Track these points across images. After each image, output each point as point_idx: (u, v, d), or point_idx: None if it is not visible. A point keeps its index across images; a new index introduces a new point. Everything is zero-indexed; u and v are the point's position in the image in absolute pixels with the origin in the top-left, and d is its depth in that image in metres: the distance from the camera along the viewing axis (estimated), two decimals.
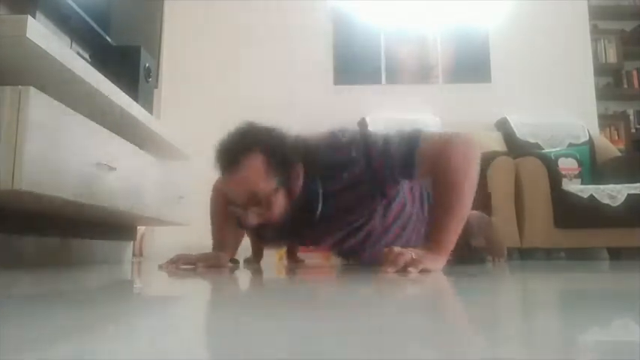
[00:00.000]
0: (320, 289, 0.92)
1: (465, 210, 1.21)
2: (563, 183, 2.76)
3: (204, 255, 1.49)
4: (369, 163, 1.25)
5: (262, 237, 1.36)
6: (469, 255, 1.83)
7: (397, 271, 1.09)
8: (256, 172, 1.18)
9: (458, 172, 1.19)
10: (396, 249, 1.13)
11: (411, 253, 1.12)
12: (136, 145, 1.75)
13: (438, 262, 1.18)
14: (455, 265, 1.40)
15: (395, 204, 1.42)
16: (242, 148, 1.20)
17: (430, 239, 1.21)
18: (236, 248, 1.64)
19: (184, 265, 1.44)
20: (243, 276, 1.26)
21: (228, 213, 1.40)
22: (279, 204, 1.22)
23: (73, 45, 1.98)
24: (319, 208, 1.27)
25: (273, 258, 3.06)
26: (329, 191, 1.28)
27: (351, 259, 1.70)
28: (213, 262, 1.47)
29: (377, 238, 1.44)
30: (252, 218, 1.22)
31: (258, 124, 1.27)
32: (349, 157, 1.26)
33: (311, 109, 3.56)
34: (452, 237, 1.20)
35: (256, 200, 1.20)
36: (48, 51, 1.17)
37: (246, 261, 2.08)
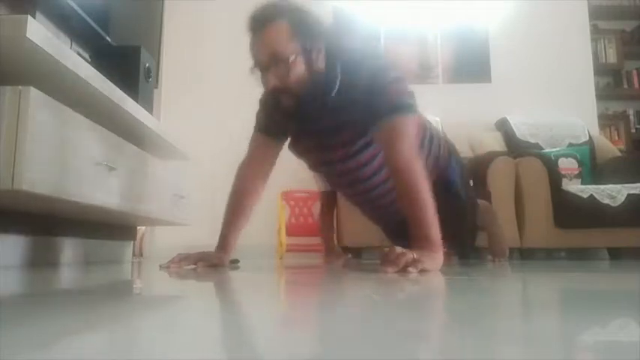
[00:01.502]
0: (319, 289, 0.92)
1: (426, 195, 1.26)
2: (563, 183, 2.76)
3: (205, 254, 1.49)
4: (369, 85, 1.33)
5: (280, 107, 1.40)
6: (471, 233, 1.86)
7: (397, 271, 1.10)
8: (280, 34, 1.29)
9: (408, 160, 1.29)
10: (397, 249, 1.14)
11: (411, 254, 1.12)
12: (135, 145, 1.75)
13: (436, 262, 1.18)
14: (461, 256, 1.41)
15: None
16: (271, 14, 1.30)
17: (419, 239, 1.22)
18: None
19: (185, 264, 1.44)
20: (243, 276, 1.26)
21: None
22: (298, 70, 1.30)
23: (73, 45, 1.98)
24: (335, 90, 1.35)
25: (273, 259, 3.06)
26: (345, 84, 1.35)
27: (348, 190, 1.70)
28: (213, 262, 1.47)
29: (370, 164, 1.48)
30: (271, 79, 1.30)
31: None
32: (365, 66, 1.35)
33: None
34: (433, 227, 1.23)
35: (276, 61, 1.28)
36: (48, 51, 1.17)
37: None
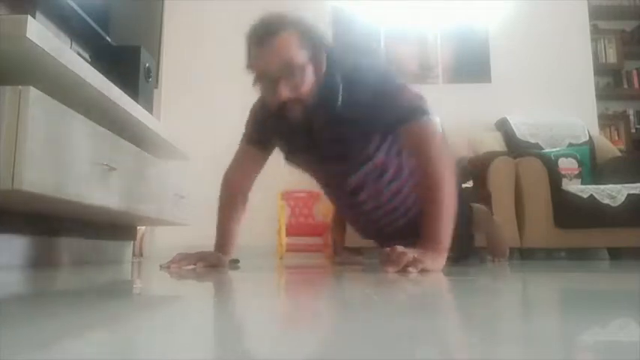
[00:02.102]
0: (319, 290, 0.92)
1: (449, 199, 1.24)
2: (563, 183, 2.76)
3: (205, 254, 1.49)
4: (378, 95, 1.31)
5: (285, 121, 1.36)
6: (470, 247, 1.83)
7: (398, 271, 1.09)
8: (290, 43, 1.25)
9: (437, 162, 1.26)
10: (399, 248, 1.13)
11: (412, 253, 1.12)
12: (136, 145, 1.75)
13: (437, 262, 1.18)
14: (455, 261, 1.40)
15: (393, 154, 1.45)
16: (278, 25, 1.27)
17: (426, 238, 1.21)
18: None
19: (185, 264, 1.44)
20: (243, 276, 1.26)
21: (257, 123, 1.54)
22: (309, 78, 1.28)
23: (73, 45, 1.98)
24: (339, 100, 1.32)
25: (273, 260, 3.06)
26: (348, 96, 1.33)
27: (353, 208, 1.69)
28: (213, 262, 1.47)
29: (378, 176, 1.47)
30: (284, 90, 1.26)
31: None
32: (368, 78, 1.33)
33: None
34: (445, 230, 1.22)
35: (289, 70, 1.25)
36: (48, 51, 1.17)
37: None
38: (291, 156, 1.56)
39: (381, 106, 1.31)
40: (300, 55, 1.26)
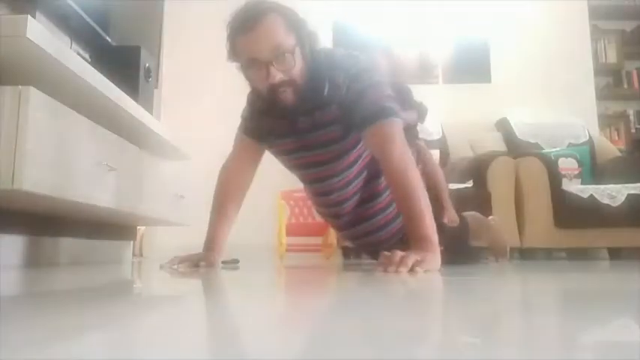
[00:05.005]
0: (319, 289, 0.92)
1: (421, 193, 1.25)
2: (563, 183, 2.76)
3: (193, 255, 1.47)
4: (351, 89, 1.32)
5: (275, 106, 1.36)
6: (469, 255, 1.83)
7: (391, 271, 1.08)
8: (278, 27, 1.26)
9: (401, 161, 1.28)
10: (399, 252, 1.12)
11: (414, 256, 1.10)
12: (136, 145, 1.75)
13: (436, 262, 1.17)
14: (455, 265, 1.40)
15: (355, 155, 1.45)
16: (263, 10, 1.28)
17: (418, 239, 1.20)
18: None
19: (177, 264, 1.43)
20: (243, 276, 1.26)
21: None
22: (299, 61, 1.29)
23: (73, 45, 1.98)
24: (327, 87, 1.33)
25: (273, 260, 3.06)
26: (331, 82, 1.33)
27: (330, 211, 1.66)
28: (196, 262, 1.45)
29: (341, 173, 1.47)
30: (276, 73, 1.26)
31: None
32: (349, 68, 1.33)
33: None
34: (430, 224, 1.22)
35: (279, 54, 1.26)
36: (48, 51, 1.17)
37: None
38: (280, 156, 1.55)
39: (352, 101, 1.32)
40: (288, 39, 1.27)
